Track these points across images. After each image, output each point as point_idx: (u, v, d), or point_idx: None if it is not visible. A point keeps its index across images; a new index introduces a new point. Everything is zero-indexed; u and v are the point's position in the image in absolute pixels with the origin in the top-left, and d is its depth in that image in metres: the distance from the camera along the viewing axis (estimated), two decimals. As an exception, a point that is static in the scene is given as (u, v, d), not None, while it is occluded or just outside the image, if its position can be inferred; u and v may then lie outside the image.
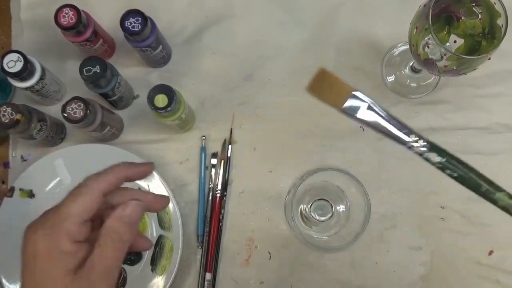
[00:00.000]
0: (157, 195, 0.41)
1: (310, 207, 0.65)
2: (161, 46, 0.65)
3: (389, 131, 0.37)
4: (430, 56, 0.54)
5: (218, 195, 0.67)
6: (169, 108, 0.58)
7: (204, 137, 0.68)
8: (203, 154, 0.68)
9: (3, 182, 0.69)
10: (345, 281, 0.65)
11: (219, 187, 0.67)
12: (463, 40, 0.55)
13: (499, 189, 0.25)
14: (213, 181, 0.67)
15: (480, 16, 0.54)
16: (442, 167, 0.28)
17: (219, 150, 0.69)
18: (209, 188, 0.68)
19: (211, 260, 0.65)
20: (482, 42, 0.54)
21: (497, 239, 0.65)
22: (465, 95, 0.69)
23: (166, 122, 0.62)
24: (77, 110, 0.58)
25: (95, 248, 0.35)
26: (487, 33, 0.54)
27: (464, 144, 0.67)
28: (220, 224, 0.66)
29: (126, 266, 0.65)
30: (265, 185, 0.68)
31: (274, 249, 0.67)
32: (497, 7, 0.52)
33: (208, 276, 0.65)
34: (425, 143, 0.34)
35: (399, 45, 0.70)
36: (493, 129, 0.68)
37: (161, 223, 0.65)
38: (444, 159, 0.24)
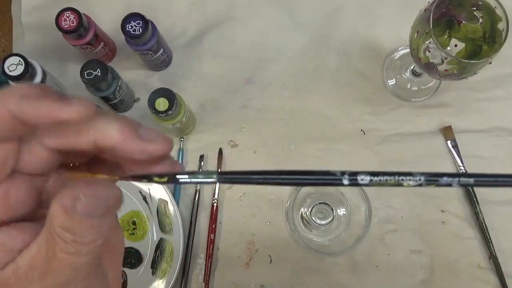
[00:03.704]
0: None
1: (311, 210, 0.65)
2: (162, 49, 0.65)
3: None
4: (431, 60, 0.54)
5: (215, 204, 0.67)
6: (169, 112, 0.58)
7: (182, 139, 0.69)
8: (181, 155, 0.68)
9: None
10: (346, 284, 0.65)
11: (216, 196, 0.67)
12: (464, 44, 0.55)
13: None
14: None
15: (481, 20, 0.54)
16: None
17: (209, 153, 0.69)
18: (196, 190, 0.68)
19: (208, 266, 0.65)
20: (483, 46, 0.54)
21: (497, 243, 0.65)
22: (466, 99, 0.69)
23: (167, 126, 0.62)
24: (78, 114, 0.58)
25: (37, 239, 0.22)
26: (488, 37, 0.54)
27: (464, 147, 0.67)
28: (214, 225, 0.67)
29: (126, 269, 0.65)
30: (266, 189, 0.68)
31: (275, 252, 0.66)
32: (498, 11, 0.52)
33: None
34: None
35: (400, 48, 0.70)
36: (494, 132, 0.68)
37: (162, 227, 0.65)
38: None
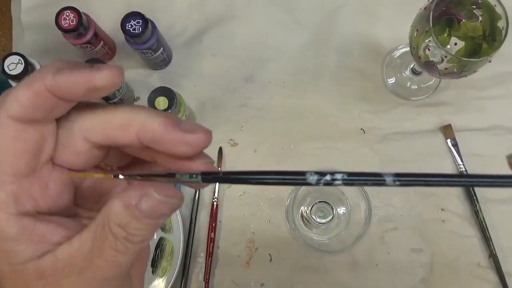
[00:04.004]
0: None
1: (311, 209, 0.65)
2: (161, 48, 0.65)
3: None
4: (431, 59, 0.54)
5: (215, 203, 0.67)
6: (169, 111, 0.58)
7: None
8: None
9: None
10: (346, 283, 0.65)
11: (216, 194, 0.67)
12: (463, 42, 0.55)
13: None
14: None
15: (480, 18, 0.54)
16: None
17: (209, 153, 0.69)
18: (196, 189, 0.67)
19: (208, 265, 0.66)
20: (482, 45, 0.54)
21: (497, 241, 0.65)
22: (465, 97, 0.69)
23: (167, 124, 0.62)
24: (77, 113, 0.58)
25: (81, 235, 0.22)
26: (487, 35, 0.54)
27: (464, 145, 0.67)
28: (214, 224, 0.67)
29: (126, 268, 0.65)
30: (266, 188, 0.68)
31: (275, 251, 0.67)
32: (498, 9, 0.52)
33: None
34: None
35: (400, 47, 0.70)
36: (493, 131, 0.68)
37: (162, 225, 0.65)
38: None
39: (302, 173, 0.22)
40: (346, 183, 0.22)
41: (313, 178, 0.22)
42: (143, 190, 0.21)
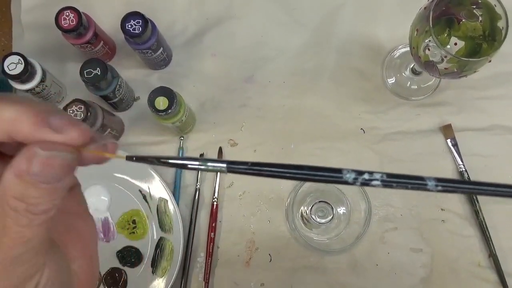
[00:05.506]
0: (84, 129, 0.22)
1: (311, 209, 0.65)
2: (161, 48, 0.65)
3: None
4: (431, 59, 0.54)
5: (215, 203, 0.67)
6: (169, 111, 0.58)
7: (182, 138, 0.69)
8: (181, 154, 0.68)
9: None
10: (346, 283, 0.65)
11: (216, 194, 0.67)
12: (463, 42, 0.55)
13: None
14: (198, 182, 0.68)
15: (480, 18, 0.54)
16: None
17: (206, 152, 0.69)
18: (196, 189, 0.68)
19: (208, 265, 0.66)
20: (482, 45, 0.54)
21: (497, 241, 0.65)
22: (465, 97, 0.69)
23: (167, 124, 0.62)
24: (77, 113, 0.58)
25: None
26: (487, 35, 0.54)
27: (464, 145, 0.67)
28: (214, 224, 0.67)
29: (126, 268, 0.65)
30: (266, 187, 0.68)
31: (275, 251, 0.67)
32: (498, 9, 0.52)
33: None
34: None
35: (400, 47, 0.70)
36: (493, 131, 0.68)
37: (162, 225, 0.65)
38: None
39: (339, 170, 0.22)
40: (385, 184, 0.22)
41: (350, 176, 0.22)
42: (29, 151, 0.20)
